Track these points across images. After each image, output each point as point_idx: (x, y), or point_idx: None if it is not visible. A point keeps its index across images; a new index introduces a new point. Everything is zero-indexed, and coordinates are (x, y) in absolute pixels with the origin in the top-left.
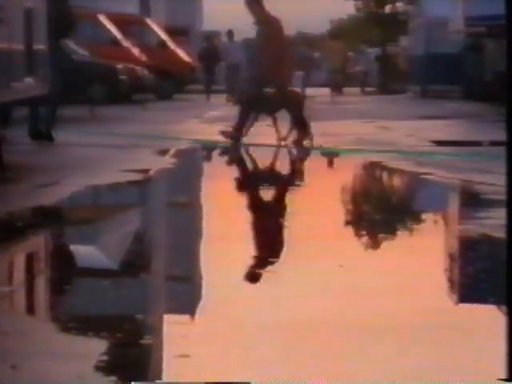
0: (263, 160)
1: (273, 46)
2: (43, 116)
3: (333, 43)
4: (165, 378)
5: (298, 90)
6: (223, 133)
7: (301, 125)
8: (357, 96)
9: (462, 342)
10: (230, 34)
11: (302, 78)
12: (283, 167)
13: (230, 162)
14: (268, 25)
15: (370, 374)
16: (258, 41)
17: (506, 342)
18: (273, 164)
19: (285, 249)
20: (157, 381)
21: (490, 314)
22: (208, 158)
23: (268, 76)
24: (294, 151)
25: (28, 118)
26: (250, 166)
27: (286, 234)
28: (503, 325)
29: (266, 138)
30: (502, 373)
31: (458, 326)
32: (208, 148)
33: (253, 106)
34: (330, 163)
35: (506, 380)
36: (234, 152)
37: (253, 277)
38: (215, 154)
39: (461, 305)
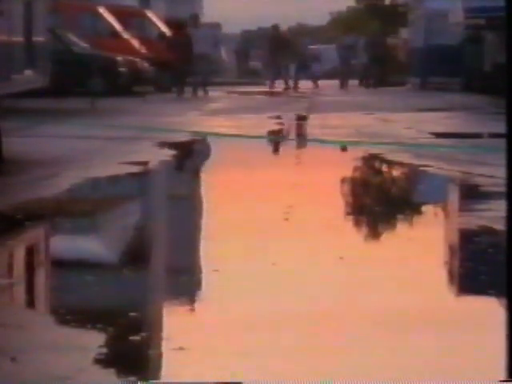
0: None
1: None
2: None
3: None
4: (164, 372)
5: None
6: None
7: None
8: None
9: (460, 336)
10: (195, 18)
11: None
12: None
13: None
14: None
15: (368, 374)
16: None
17: (506, 340)
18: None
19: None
20: (157, 381)
21: (489, 307)
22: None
23: None
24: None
25: None
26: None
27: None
28: (503, 317)
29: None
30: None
31: (457, 320)
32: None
33: None
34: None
35: (507, 380)
36: None
37: None
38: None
39: (460, 297)
